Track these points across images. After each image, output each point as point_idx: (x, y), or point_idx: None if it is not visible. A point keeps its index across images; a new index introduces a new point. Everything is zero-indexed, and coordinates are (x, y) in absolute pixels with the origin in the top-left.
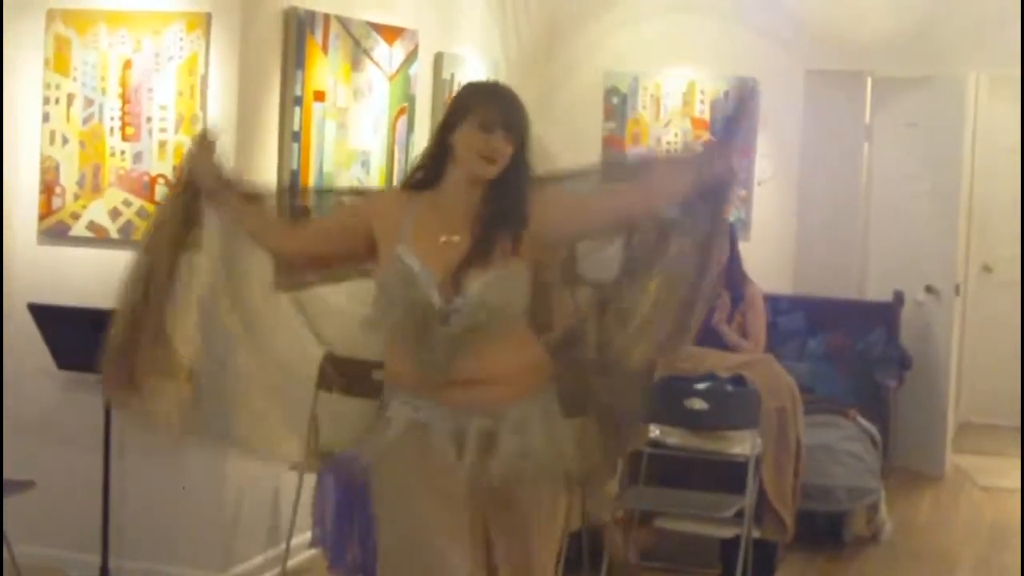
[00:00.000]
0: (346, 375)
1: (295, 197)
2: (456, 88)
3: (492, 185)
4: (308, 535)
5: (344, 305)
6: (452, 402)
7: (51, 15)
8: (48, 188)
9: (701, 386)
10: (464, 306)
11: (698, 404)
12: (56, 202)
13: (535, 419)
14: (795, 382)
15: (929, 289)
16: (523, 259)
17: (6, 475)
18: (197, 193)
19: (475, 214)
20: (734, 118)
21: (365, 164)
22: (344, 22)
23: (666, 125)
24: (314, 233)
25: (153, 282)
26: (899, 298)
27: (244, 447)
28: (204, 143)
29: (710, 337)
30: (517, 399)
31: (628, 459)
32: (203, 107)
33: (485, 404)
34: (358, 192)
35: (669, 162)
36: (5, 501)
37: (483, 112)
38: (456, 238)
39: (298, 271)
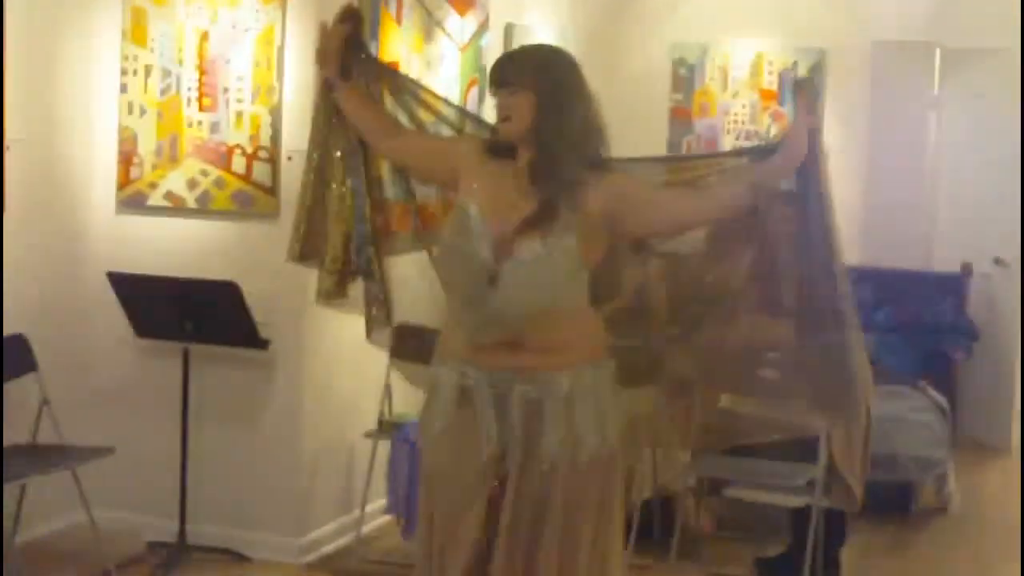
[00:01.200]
0: (418, 344)
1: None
2: None
3: (531, 142)
4: (382, 502)
5: (413, 275)
6: (496, 366)
7: None
8: (126, 158)
9: (771, 355)
10: (512, 270)
11: (769, 372)
12: (134, 172)
13: (583, 393)
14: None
15: (997, 261)
16: (585, 232)
17: (87, 441)
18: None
19: (531, 177)
20: (802, 102)
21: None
22: None
23: (734, 96)
24: (409, 144)
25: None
26: (967, 270)
27: None
28: (340, 21)
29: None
30: (564, 368)
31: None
32: (279, 78)
33: (529, 370)
34: (449, 104)
35: (746, 169)
36: (85, 466)
37: (490, 78)
38: (523, 202)
39: None
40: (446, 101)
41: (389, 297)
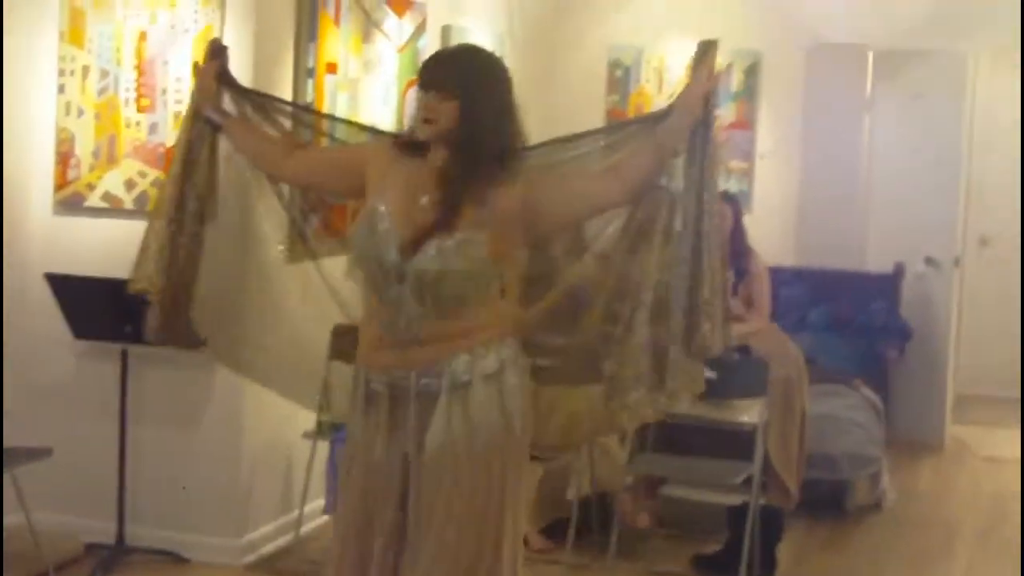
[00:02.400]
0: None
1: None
2: None
3: (449, 146)
4: (321, 502)
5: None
6: (396, 365)
7: None
8: (64, 159)
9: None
10: (419, 267)
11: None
12: (72, 173)
13: (482, 375)
14: (801, 353)
15: (929, 261)
16: (496, 230)
17: (25, 443)
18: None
19: (440, 178)
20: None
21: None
22: None
23: (669, 98)
24: (310, 163)
25: (179, 211)
26: (900, 270)
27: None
28: (211, 56)
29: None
30: (460, 352)
31: (637, 427)
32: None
33: (427, 362)
34: (334, 119)
35: (649, 121)
36: (23, 469)
37: (419, 75)
38: (433, 200)
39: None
40: (332, 116)
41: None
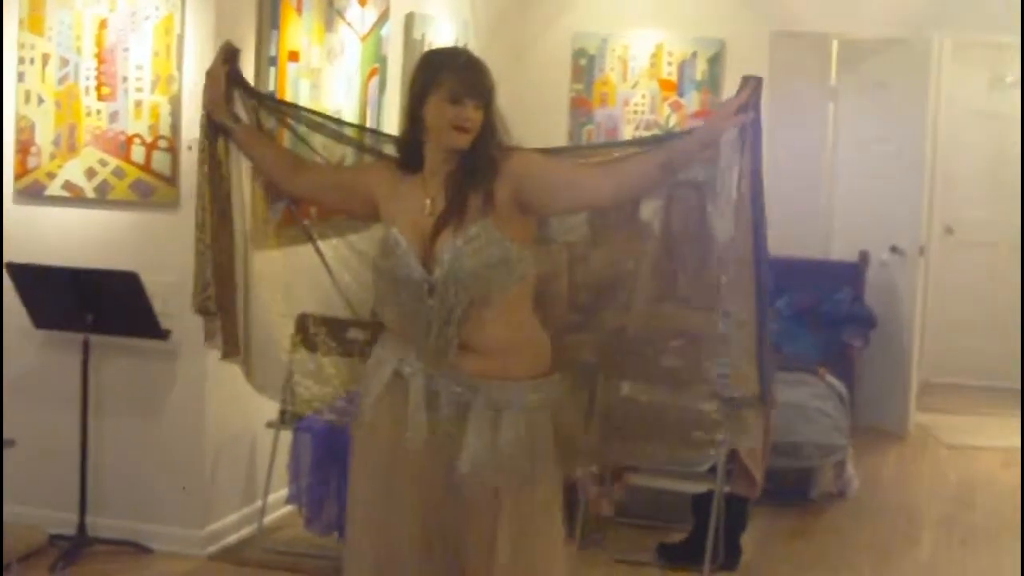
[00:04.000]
0: (322, 334)
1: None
2: (427, 48)
3: (465, 153)
4: (284, 492)
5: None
6: (438, 365)
7: None
8: (23, 148)
9: (674, 343)
10: (443, 275)
11: (671, 361)
12: (31, 161)
13: (516, 404)
14: None
15: (894, 249)
16: (501, 217)
17: None
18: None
19: (448, 180)
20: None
21: None
22: None
23: (633, 87)
24: (317, 180)
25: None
26: (864, 258)
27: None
28: (222, 62)
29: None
30: (498, 377)
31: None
32: (179, 67)
33: (466, 373)
34: (344, 123)
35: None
36: None
37: (452, 83)
38: (436, 206)
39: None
40: (339, 120)
41: (234, 331)
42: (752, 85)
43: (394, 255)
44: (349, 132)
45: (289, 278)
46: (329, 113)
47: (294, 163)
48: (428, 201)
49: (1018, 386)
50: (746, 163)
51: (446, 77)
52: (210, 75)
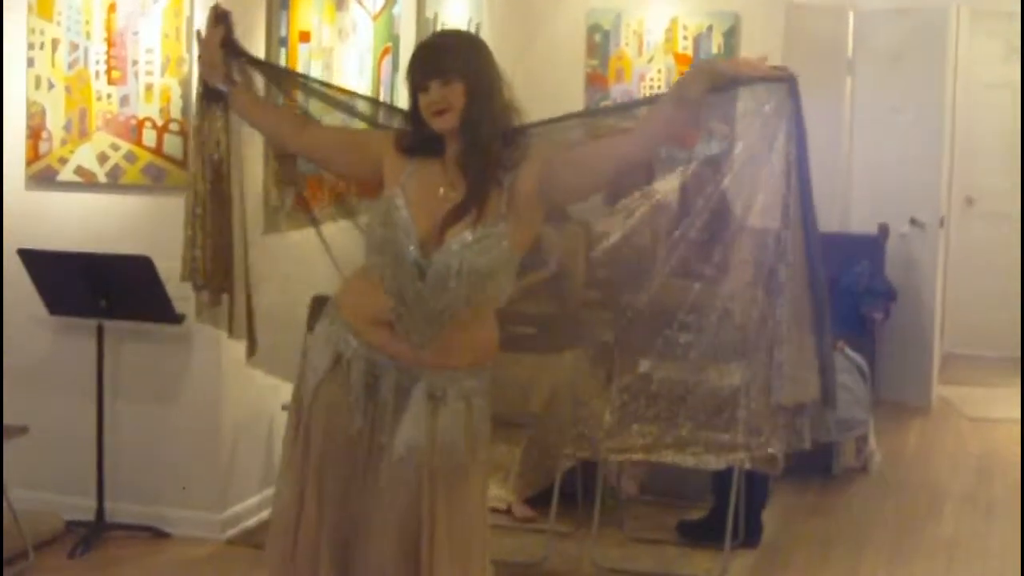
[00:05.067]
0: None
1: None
2: (440, 28)
3: (461, 133)
4: None
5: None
6: (375, 345)
7: None
8: (35, 133)
9: (687, 318)
10: (441, 260)
11: (684, 336)
12: (43, 147)
13: (455, 395)
14: None
15: (914, 221)
16: (517, 216)
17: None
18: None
19: (461, 167)
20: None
21: None
22: None
23: (649, 61)
24: (323, 140)
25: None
26: (884, 231)
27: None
28: (214, 24)
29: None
30: (439, 365)
31: (621, 392)
32: (189, 49)
33: (405, 359)
34: (346, 92)
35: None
36: None
37: (414, 75)
38: (452, 193)
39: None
40: (344, 90)
41: (237, 311)
42: (785, 74)
43: (393, 224)
44: (349, 103)
45: (301, 260)
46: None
47: (298, 121)
48: (444, 189)
49: None
50: (791, 156)
51: (411, 70)
52: (202, 39)
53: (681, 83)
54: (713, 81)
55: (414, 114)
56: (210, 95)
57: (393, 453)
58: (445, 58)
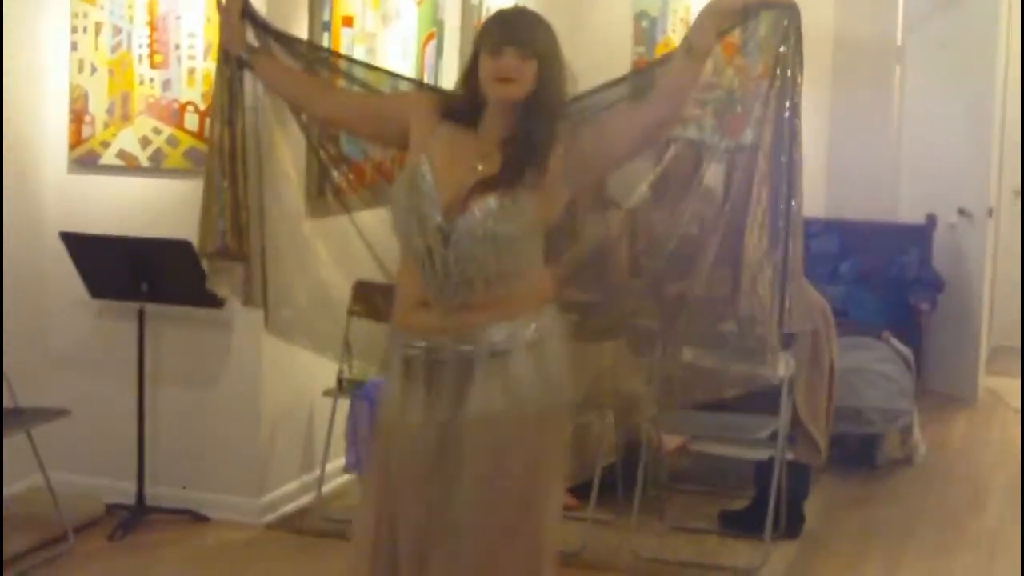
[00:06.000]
0: (378, 301)
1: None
2: (485, 14)
3: (523, 109)
4: (342, 461)
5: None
6: (433, 330)
7: None
8: (77, 117)
9: (733, 308)
10: (465, 228)
11: (730, 326)
12: (86, 131)
13: (521, 345)
14: (828, 304)
15: (962, 212)
16: (544, 192)
17: (43, 404)
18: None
19: (504, 143)
20: None
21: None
22: None
23: None
24: (350, 104)
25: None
26: (932, 221)
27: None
28: None
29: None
30: (498, 321)
31: (663, 382)
32: None
33: (465, 328)
34: (389, 74)
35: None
36: (41, 429)
37: (490, 35)
38: (483, 167)
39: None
40: (363, 64)
41: (255, 279)
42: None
43: (418, 190)
44: (367, 76)
45: (345, 244)
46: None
47: (322, 85)
48: (477, 161)
49: None
50: (771, 112)
51: (488, 31)
52: (223, 7)
53: (690, 34)
54: (719, 25)
55: (469, 78)
56: (233, 66)
57: (463, 424)
58: (527, 30)
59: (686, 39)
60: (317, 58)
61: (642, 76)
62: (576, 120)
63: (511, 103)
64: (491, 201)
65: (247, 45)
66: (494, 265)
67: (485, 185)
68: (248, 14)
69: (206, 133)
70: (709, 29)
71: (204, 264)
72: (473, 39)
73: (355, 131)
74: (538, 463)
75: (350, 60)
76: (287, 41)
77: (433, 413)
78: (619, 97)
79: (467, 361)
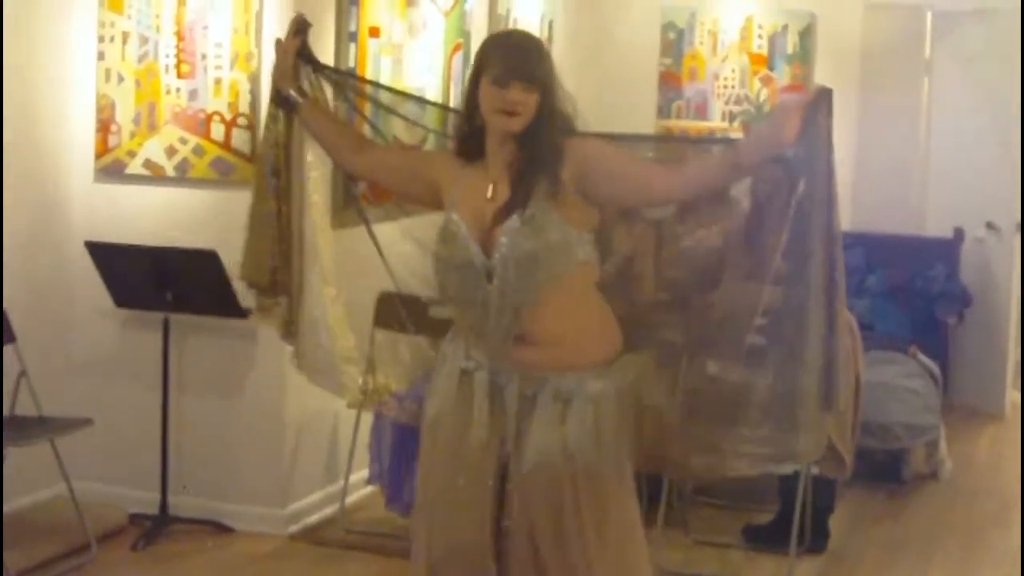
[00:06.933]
0: (403, 313)
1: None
2: (512, 24)
3: (523, 138)
4: (366, 472)
5: (405, 242)
6: (499, 357)
7: None
8: (104, 126)
9: (760, 322)
10: (501, 257)
11: (756, 339)
12: (112, 140)
13: (584, 395)
14: (854, 319)
15: (990, 225)
16: (562, 202)
17: (67, 412)
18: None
19: (510, 169)
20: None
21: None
22: None
23: (723, 60)
24: (382, 162)
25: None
26: (959, 234)
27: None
28: (294, 35)
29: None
30: (562, 367)
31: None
32: (258, 44)
33: (529, 365)
34: (417, 99)
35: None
36: (64, 439)
37: (495, 66)
38: (498, 189)
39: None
40: (417, 98)
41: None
42: (821, 93)
43: (454, 242)
44: (428, 110)
45: (369, 257)
46: (411, 91)
47: (358, 141)
48: (491, 187)
49: None
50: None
51: (492, 60)
52: (280, 46)
53: (742, 147)
54: (774, 154)
55: (468, 109)
56: (280, 102)
57: (524, 460)
58: (536, 63)
59: (735, 148)
60: (371, 97)
61: (671, 145)
62: (592, 144)
63: (514, 134)
64: (514, 219)
65: (298, 88)
66: (533, 287)
67: (504, 213)
68: (304, 55)
69: (233, 144)
70: (761, 154)
71: (254, 301)
72: (474, 62)
73: (386, 188)
74: (600, 515)
75: (407, 97)
76: (342, 79)
77: (496, 433)
78: (641, 153)
79: (527, 398)
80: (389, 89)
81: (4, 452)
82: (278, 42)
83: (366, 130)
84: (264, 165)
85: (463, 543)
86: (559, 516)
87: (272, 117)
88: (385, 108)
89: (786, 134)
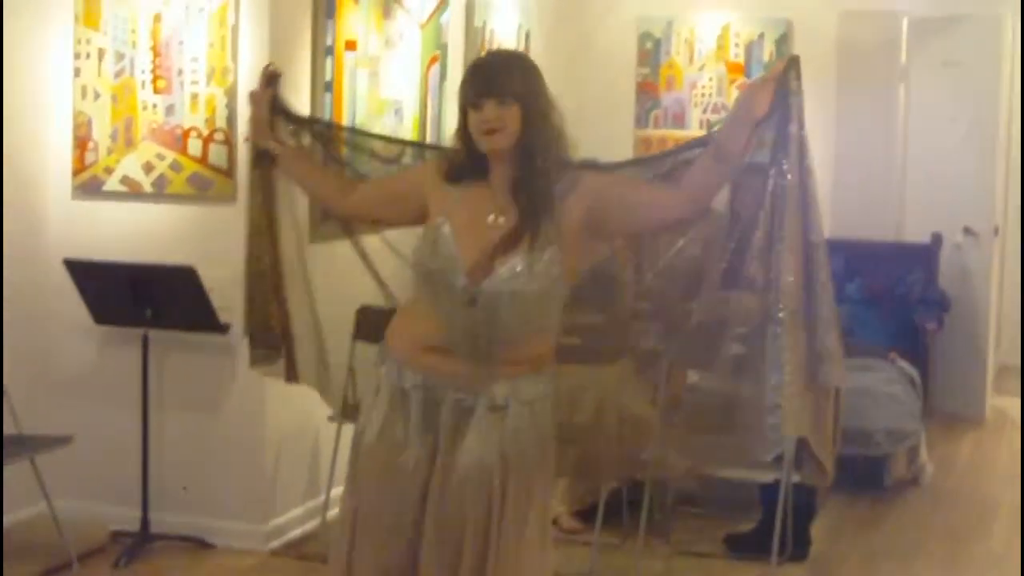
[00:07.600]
0: (382, 326)
1: (329, 144)
2: (488, 36)
3: (519, 152)
4: None
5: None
6: (432, 369)
7: None
8: (81, 143)
9: (739, 330)
10: (492, 289)
11: (736, 348)
12: (89, 157)
13: (519, 403)
14: None
15: (967, 231)
16: (567, 245)
17: (46, 430)
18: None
19: (514, 192)
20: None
21: (398, 113)
22: None
23: (700, 69)
24: (367, 198)
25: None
26: (937, 240)
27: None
28: (265, 85)
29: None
30: (501, 378)
31: (667, 404)
32: (234, 58)
33: (465, 378)
34: (392, 141)
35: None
36: (44, 456)
37: (468, 90)
38: (502, 219)
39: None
40: (392, 139)
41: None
42: (790, 60)
43: (440, 255)
44: (406, 150)
45: (349, 269)
46: (388, 103)
47: (342, 184)
48: (494, 216)
49: None
50: (792, 150)
51: (466, 86)
52: (253, 99)
53: (719, 137)
54: (751, 129)
55: (463, 134)
56: (258, 158)
57: (458, 470)
58: (503, 78)
59: (714, 140)
60: (348, 142)
61: (660, 162)
62: (602, 176)
63: (503, 152)
64: (517, 262)
65: (275, 139)
66: (520, 325)
67: (508, 244)
68: (278, 108)
69: (211, 159)
70: (740, 135)
71: (250, 349)
72: (458, 94)
73: (379, 220)
74: (528, 511)
75: (384, 140)
76: (317, 127)
77: (427, 450)
78: (633, 175)
79: (463, 410)
80: (366, 134)
81: None
82: (251, 94)
83: (347, 173)
84: (261, 225)
85: (389, 568)
86: (487, 516)
87: (253, 184)
88: (361, 150)
89: (757, 105)
